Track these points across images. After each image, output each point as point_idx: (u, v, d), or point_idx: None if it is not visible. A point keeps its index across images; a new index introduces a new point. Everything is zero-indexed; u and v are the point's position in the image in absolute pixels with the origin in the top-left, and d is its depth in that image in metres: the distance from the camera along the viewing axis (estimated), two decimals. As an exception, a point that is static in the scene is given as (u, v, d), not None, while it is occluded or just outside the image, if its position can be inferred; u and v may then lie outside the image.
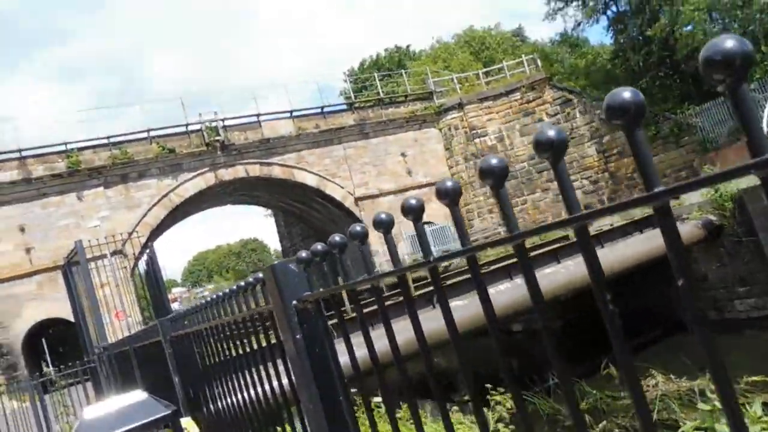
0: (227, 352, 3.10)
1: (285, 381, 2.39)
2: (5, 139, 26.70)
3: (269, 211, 62.57)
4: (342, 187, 34.22)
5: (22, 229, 27.85)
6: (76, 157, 28.94)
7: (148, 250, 12.94)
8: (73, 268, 12.97)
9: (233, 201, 39.11)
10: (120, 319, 19.27)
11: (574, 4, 41.70)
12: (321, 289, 2.12)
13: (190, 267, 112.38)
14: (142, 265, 12.97)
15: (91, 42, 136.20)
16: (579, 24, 43.12)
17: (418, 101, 36.98)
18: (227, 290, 2.89)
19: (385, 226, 1.70)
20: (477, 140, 36.00)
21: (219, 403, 3.37)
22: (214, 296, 3.14)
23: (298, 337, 2.17)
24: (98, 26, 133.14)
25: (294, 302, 2.19)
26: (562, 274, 14.47)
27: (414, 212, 1.57)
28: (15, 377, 25.54)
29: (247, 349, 2.83)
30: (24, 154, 28.33)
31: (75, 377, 13.30)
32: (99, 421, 3.70)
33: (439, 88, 38.18)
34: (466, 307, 10.97)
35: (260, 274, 2.60)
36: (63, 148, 29.07)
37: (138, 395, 3.91)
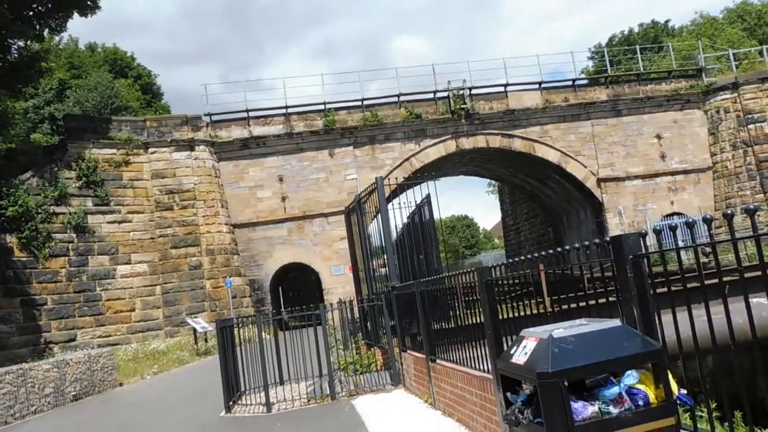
0: None
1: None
2: (275, 97, 29.04)
3: (491, 187, 61.87)
4: (585, 166, 32.07)
5: (281, 179, 30.39)
6: (332, 116, 30.71)
7: (423, 200, 12.71)
8: (352, 213, 13.25)
9: (466, 171, 38.89)
10: (351, 271, 19.90)
11: None
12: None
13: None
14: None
15: (341, 23, 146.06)
16: None
17: (683, 79, 33.11)
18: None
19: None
20: (752, 126, 31.25)
21: None
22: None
23: (630, 276, 3.61)
24: (352, 8, 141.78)
25: (630, 257, 3.63)
26: None
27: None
28: (262, 311, 28.00)
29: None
30: (289, 111, 30.73)
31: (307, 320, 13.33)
32: (571, 342, 3.04)
33: (707, 66, 33.77)
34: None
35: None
36: (322, 107, 31.00)
37: (612, 323, 3.21)
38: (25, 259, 23.73)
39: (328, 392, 10.03)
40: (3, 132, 22.57)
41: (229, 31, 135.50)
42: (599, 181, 31.99)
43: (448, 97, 31.39)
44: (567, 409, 2.86)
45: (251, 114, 30.38)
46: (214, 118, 30.11)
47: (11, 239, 23.46)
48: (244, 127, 30.20)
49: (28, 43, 25.64)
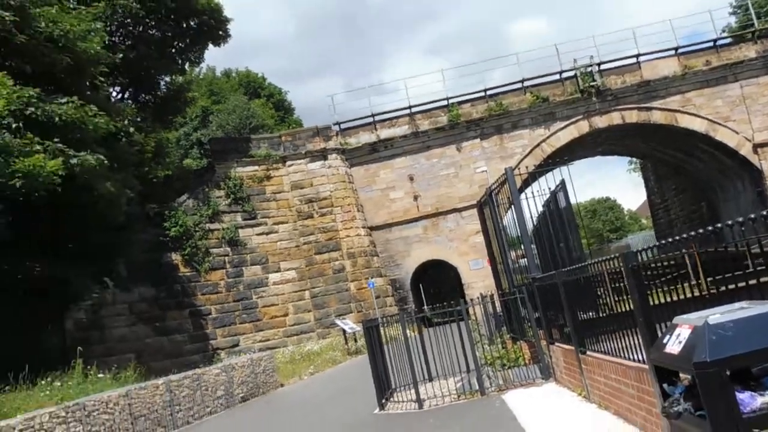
0: None
1: None
2: (398, 98, 29.81)
3: (633, 165, 58.40)
4: (737, 132, 29.32)
5: (411, 178, 30.81)
6: (456, 111, 30.64)
7: (558, 186, 12.31)
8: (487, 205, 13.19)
9: (602, 151, 37.08)
10: (489, 264, 19.65)
11: None
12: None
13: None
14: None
15: (453, 18, 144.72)
16: None
17: None
18: None
19: None
20: None
21: None
22: None
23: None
24: (460, 3, 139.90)
25: None
26: None
27: None
28: (405, 309, 28.55)
29: None
30: (413, 110, 31.11)
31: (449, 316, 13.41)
32: (730, 328, 2.88)
33: None
34: None
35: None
36: (445, 103, 31.06)
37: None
38: (189, 273, 26.11)
39: (477, 387, 10.07)
40: (160, 161, 24.95)
41: (345, 41, 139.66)
42: (756, 146, 29.10)
43: (575, 76, 30.13)
44: (732, 401, 2.71)
45: (377, 118, 31.10)
46: (342, 126, 31.22)
47: (176, 257, 25.93)
48: (371, 132, 30.99)
49: (173, 77, 28.23)
